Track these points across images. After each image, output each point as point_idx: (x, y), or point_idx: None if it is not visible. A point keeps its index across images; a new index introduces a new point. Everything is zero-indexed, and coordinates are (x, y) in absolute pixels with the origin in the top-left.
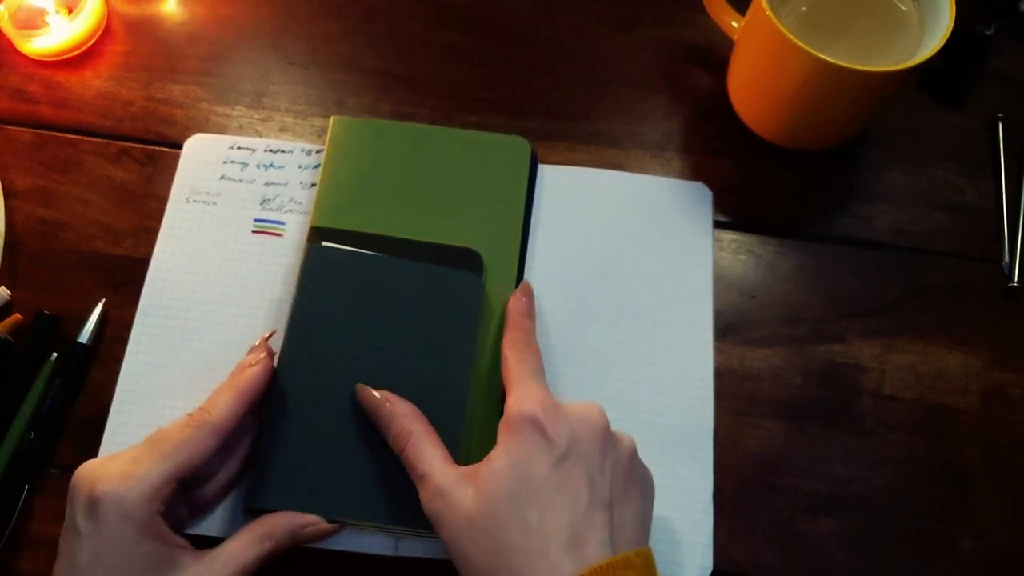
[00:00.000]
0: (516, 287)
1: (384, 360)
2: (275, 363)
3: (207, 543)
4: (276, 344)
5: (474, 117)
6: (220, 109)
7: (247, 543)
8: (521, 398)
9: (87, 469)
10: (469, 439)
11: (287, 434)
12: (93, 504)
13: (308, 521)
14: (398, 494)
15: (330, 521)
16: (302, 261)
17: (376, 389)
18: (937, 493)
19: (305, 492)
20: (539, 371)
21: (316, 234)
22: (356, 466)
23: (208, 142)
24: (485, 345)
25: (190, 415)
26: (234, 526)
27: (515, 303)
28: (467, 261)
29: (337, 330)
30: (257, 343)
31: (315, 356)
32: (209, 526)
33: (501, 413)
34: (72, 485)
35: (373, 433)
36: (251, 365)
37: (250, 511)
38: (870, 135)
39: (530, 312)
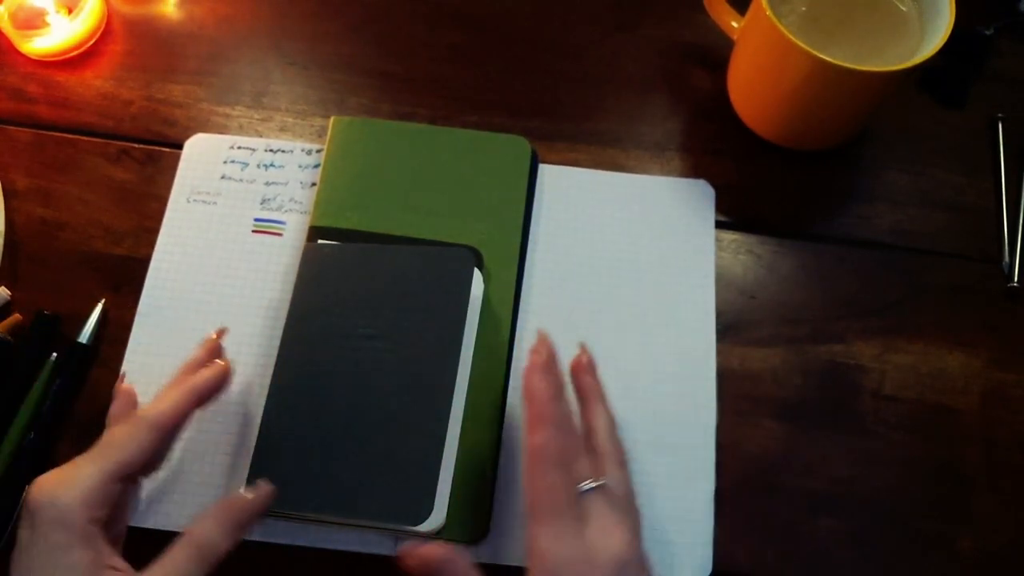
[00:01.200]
0: (516, 287)
1: (378, 348)
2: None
3: None
4: (272, 343)
5: (474, 117)
6: (220, 109)
7: (181, 560)
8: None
9: (37, 480)
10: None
11: (284, 431)
12: (31, 512)
13: (237, 503)
14: (397, 493)
15: (329, 521)
16: (300, 260)
17: None
18: (937, 493)
19: (303, 489)
20: (573, 501)
21: (316, 233)
22: (355, 464)
23: (208, 142)
24: (483, 341)
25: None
26: None
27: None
28: (464, 254)
29: (332, 324)
30: (211, 339)
31: (311, 354)
32: None
33: (496, 401)
34: (23, 500)
35: (372, 431)
36: (205, 366)
37: None
38: (870, 135)
39: (559, 392)
